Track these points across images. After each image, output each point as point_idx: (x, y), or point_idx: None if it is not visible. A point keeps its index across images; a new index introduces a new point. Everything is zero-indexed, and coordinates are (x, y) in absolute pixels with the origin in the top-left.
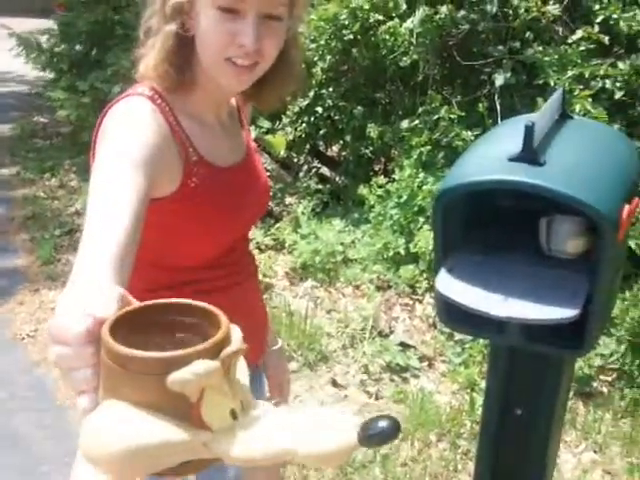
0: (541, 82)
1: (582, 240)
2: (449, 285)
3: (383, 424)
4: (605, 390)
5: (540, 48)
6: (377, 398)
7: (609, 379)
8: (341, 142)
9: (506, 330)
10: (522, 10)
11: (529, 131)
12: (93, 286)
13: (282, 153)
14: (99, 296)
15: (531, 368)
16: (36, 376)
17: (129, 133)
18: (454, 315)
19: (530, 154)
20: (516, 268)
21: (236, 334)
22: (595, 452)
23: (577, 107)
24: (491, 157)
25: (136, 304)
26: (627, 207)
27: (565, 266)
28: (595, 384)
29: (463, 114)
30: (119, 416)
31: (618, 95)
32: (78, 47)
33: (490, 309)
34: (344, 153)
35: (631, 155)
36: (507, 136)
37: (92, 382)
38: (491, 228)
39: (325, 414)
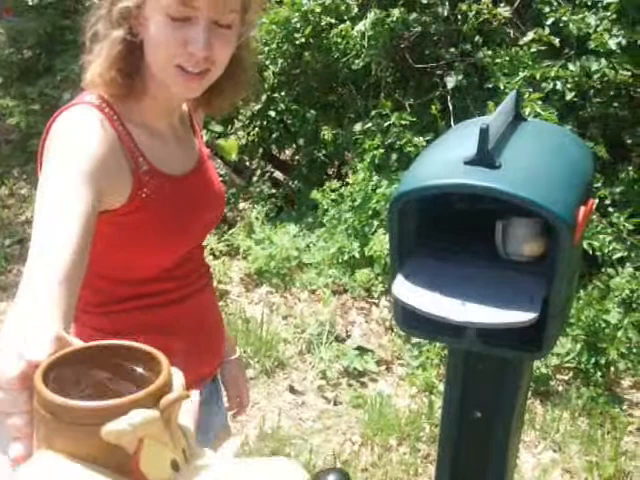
0: (491, 85)
1: (538, 243)
2: (406, 290)
3: (332, 478)
4: (562, 389)
5: (489, 51)
6: (335, 403)
7: (566, 378)
8: (294, 146)
9: (464, 334)
10: (473, 13)
11: (484, 134)
12: (32, 322)
13: (234, 157)
14: (35, 336)
15: (489, 371)
16: None
17: (75, 144)
18: (411, 320)
19: (485, 157)
20: (473, 272)
21: (178, 380)
22: (554, 451)
23: (527, 109)
24: (446, 160)
25: (74, 346)
26: (582, 208)
27: (522, 269)
28: (552, 383)
29: (414, 119)
30: (50, 469)
31: (569, 96)
32: (26, 53)
33: (448, 314)
34: (297, 157)
35: (585, 157)
36: (461, 139)
37: (25, 429)
38: (447, 232)
39: (273, 467)
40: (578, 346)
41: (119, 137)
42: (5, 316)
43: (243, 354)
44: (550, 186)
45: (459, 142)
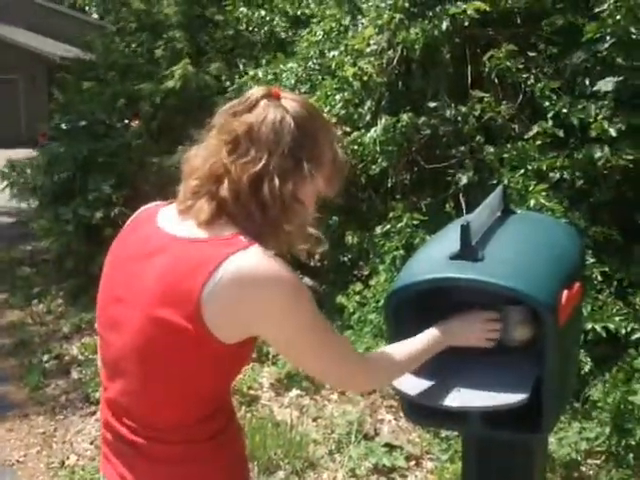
0: (495, 181)
1: (528, 328)
2: (404, 380)
3: None
4: (592, 473)
5: (492, 149)
6: None
7: (597, 462)
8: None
9: (468, 420)
10: (477, 112)
11: (465, 230)
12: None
13: None
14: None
15: (502, 455)
16: None
17: (306, 295)
18: (417, 411)
19: (468, 251)
20: (467, 358)
21: None
22: None
23: (532, 202)
24: (435, 256)
25: None
26: (566, 292)
27: (514, 353)
28: (583, 468)
29: (426, 218)
30: None
31: (578, 184)
32: (61, 176)
33: (442, 400)
34: (325, 262)
35: (572, 242)
36: (451, 236)
37: None
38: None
39: None
40: (607, 429)
41: None
42: (39, 429)
43: (273, 456)
44: (532, 274)
45: (449, 239)
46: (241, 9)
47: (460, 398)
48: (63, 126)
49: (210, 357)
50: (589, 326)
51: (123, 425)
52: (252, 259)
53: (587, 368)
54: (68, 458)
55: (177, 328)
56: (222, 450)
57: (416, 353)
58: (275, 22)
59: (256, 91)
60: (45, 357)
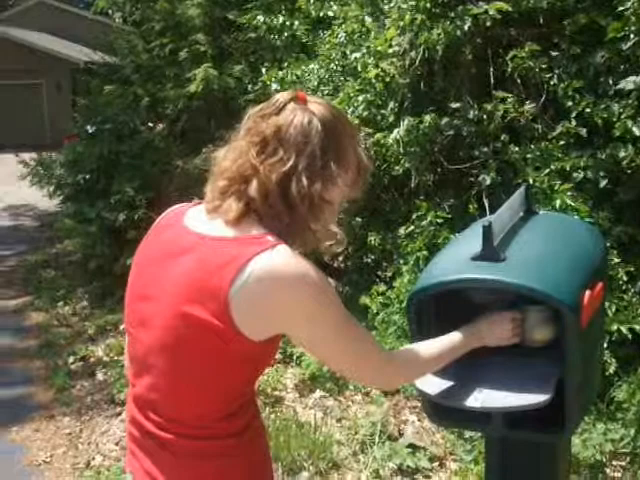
0: (520, 181)
1: (549, 329)
2: (426, 381)
3: None
4: (617, 475)
5: (517, 148)
6: None
7: (622, 463)
8: (345, 253)
9: (490, 421)
10: (500, 112)
11: (487, 231)
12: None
13: None
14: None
15: (525, 456)
16: None
17: (332, 293)
18: (440, 411)
19: (490, 252)
20: (490, 359)
21: None
22: None
23: (557, 202)
24: (457, 257)
25: None
26: (588, 293)
27: (537, 354)
28: (608, 470)
29: (450, 216)
30: None
31: (602, 184)
32: (85, 176)
33: (464, 401)
34: (349, 263)
35: (594, 242)
36: (473, 236)
37: None
38: (464, 322)
39: None
40: (632, 431)
41: None
42: (65, 430)
43: (297, 457)
44: (553, 274)
45: (472, 239)
46: (258, 17)
47: (482, 399)
48: (88, 129)
49: (237, 354)
50: (614, 327)
51: (149, 421)
52: (280, 258)
53: (612, 369)
54: (94, 459)
55: (205, 324)
56: (246, 446)
57: (443, 352)
58: (295, 26)
59: (283, 95)
60: (70, 359)
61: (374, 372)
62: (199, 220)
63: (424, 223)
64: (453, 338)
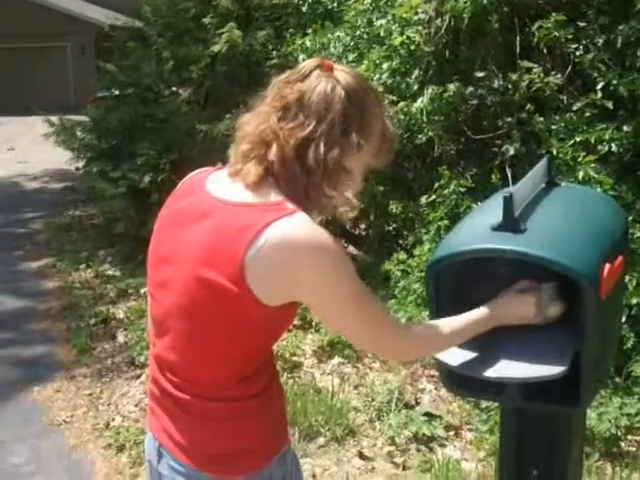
0: (544, 152)
1: (559, 305)
2: (446, 352)
3: None
4: (632, 449)
5: (541, 119)
6: (404, 468)
7: (638, 438)
8: (367, 221)
9: (505, 391)
10: (526, 82)
11: (508, 202)
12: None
13: None
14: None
15: (540, 428)
16: (73, 460)
17: (348, 263)
18: (456, 380)
19: (510, 223)
20: (507, 330)
21: None
22: None
23: (580, 173)
24: (478, 227)
25: None
26: (608, 266)
27: (554, 326)
28: (623, 444)
29: (472, 185)
30: None
31: (626, 157)
32: (109, 140)
33: (482, 371)
34: (370, 231)
35: (615, 216)
36: (494, 207)
37: None
38: (484, 293)
39: None
40: None
41: None
42: (85, 391)
43: (314, 422)
44: (573, 246)
45: (493, 209)
46: None
47: (498, 369)
48: (113, 92)
49: (253, 318)
50: (634, 301)
51: (167, 381)
52: (296, 226)
53: (630, 343)
54: (113, 419)
55: (221, 289)
56: (261, 409)
57: (460, 331)
58: None
59: (310, 62)
60: (92, 321)
61: (388, 344)
62: (221, 184)
63: (446, 192)
64: (472, 317)
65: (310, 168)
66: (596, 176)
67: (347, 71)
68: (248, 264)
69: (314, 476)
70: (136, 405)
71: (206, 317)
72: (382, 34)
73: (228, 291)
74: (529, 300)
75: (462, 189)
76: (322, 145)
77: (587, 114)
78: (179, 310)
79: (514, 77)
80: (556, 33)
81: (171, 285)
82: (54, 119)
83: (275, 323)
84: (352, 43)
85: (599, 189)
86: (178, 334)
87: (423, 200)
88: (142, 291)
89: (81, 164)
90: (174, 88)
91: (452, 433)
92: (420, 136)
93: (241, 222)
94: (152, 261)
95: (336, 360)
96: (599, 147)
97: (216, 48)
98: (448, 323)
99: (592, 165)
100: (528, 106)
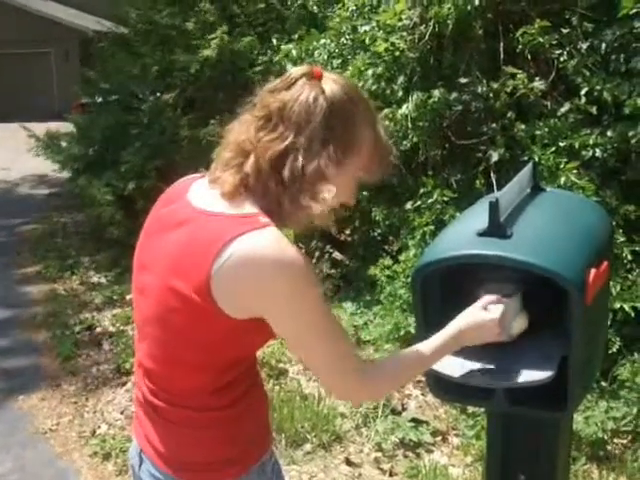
0: (526, 158)
1: (523, 319)
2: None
3: None
4: (618, 453)
5: (523, 126)
6: (391, 475)
7: (624, 441)
8: (352, 226)
9: (492, 397)
10: (509, 89)
11: (493, 207)
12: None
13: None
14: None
15: (527, 433)
16: (59, 469)
17: (313, 284)
18: (443, 386)
19: (496, 228)
20: None
21: None
22: None
23: (562, 179)
24: (464, 233)
25: None
26: (594, 271)
27: (540, 331)
28: (609, 447)
29: (456, 195)
30: None
31: (610, 162)
32: (94, 147)
33: (470, 378)
34: (355, 237)
35: (600, 221)
36: (480, 212)
37: None
38: (469, 298)
39: None
40: (634, 409)
41: None
42: (71, 399)
43: (300, 429)
44: (559, 251)
45: (478, 215)
46: None
47: (486, 375)
48: (96, 98)
49: (222, 329)
50: (618, 305)
51: (146, 387)
52: (265, 240)
53: (615, 348)
54: (99, 427)
55: (188, 299)
56: (239, 419)
57: (427, 360)
58: None
59: (297, 70)
60: (77, 328)
61: (350, 383)
62: (201, 192)
63: (430, 200)
64: (437, 344)
65: (286, 181)
66: (578, 181)
67: (336, 80)
68: (214, 275)
69: None
70: (122, 413)
71: (177, 327)
72: (367, 41)
73: (194, 302)
74: (492, 321)
75: (445, 198)
76: (300, 158)
77: (571, 119)
78: (154, 318)
79: (498, 83)
80: (540, 39)
81: (148, 292)
82: (38, 132)
83: (248, 334)
84: (337, 50)
85: (582, 195)
86: (154, 341)
87: (408, 206)
88: (127, 298)
89: (67, 174)
90: (158, 94)
91: (439, 439)
92: (405, 142)
93: (212, 233)
94: (135, 267)
95: None
96: (583, 152)
97: (206, 53)
98: (414, 356)
99: (574, 171)
100: (510, 113)
